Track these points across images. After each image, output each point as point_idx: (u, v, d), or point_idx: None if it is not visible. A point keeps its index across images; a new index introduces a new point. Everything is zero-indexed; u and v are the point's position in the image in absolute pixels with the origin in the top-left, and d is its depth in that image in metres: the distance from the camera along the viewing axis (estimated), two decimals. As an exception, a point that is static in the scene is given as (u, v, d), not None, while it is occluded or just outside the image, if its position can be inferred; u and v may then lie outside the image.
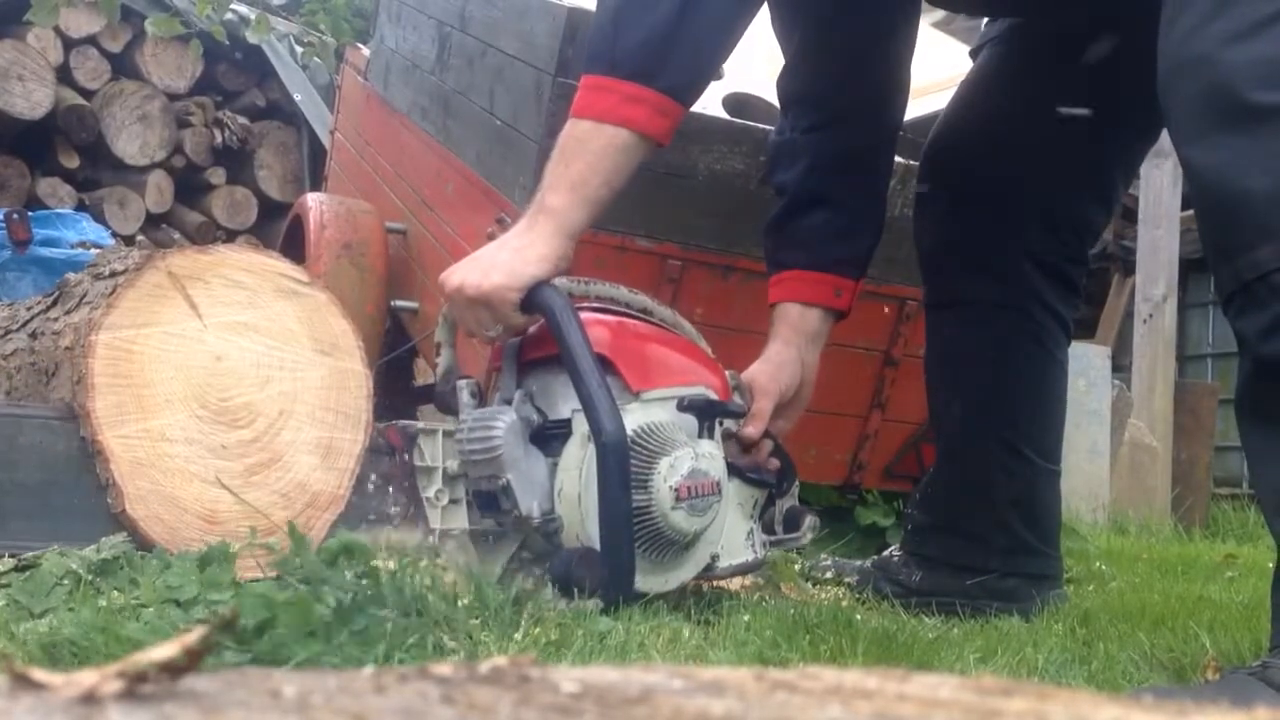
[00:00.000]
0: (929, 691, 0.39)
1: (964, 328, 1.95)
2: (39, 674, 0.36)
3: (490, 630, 1.32)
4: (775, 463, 1.79)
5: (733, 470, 1.68)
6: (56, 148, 4.25)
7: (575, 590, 1.48)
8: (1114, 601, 1.98)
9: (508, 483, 1.58)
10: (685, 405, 1.62)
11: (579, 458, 1.55)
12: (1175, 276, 4.68)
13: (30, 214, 3.15)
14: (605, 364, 1.57)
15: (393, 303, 2.68)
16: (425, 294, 2.58)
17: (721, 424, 1.69)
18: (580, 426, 1.55)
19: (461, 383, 1.68)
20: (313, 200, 2.86)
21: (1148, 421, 4.40)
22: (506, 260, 1.60)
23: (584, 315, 1.60)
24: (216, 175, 4.50)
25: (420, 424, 1.67)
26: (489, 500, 1.62)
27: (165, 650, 0.38)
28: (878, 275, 2.28)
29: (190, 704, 0.35)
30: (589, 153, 1.60)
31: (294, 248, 2.95)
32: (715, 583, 1.76)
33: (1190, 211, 5.15)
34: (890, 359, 2.39)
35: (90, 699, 0.35)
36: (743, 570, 1.73)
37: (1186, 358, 5.39)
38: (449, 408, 1.69)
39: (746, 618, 1.53)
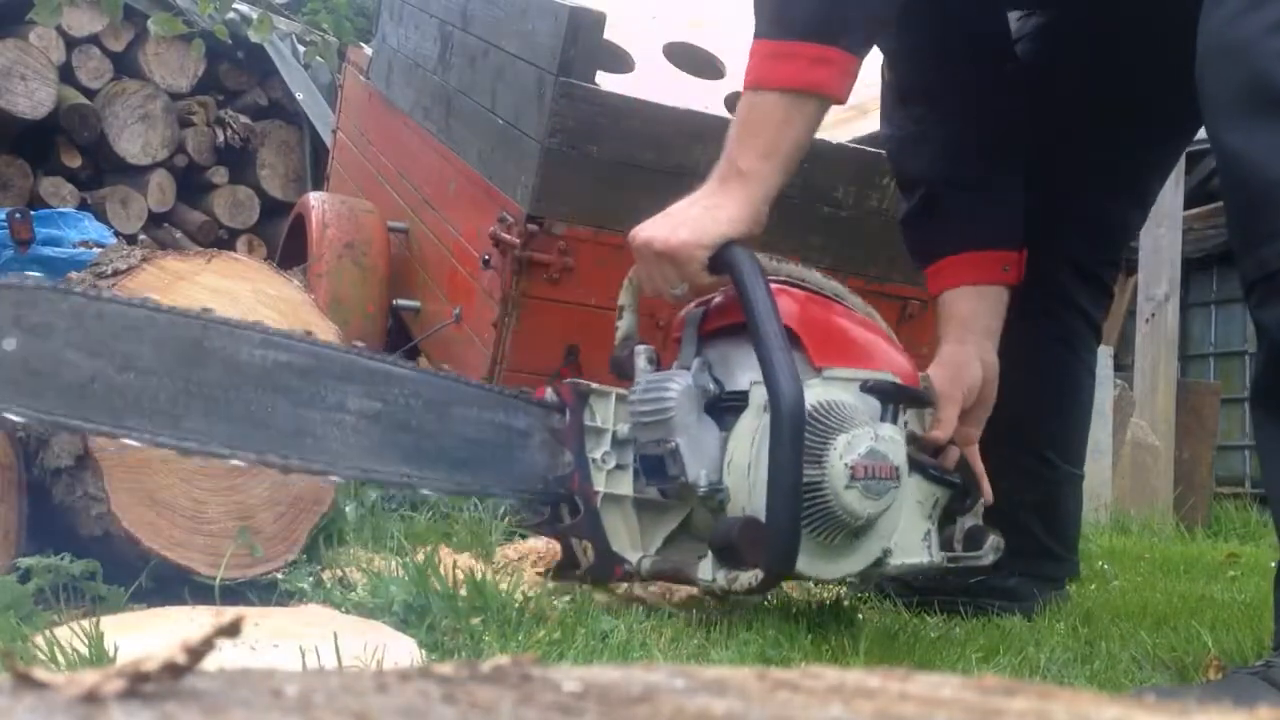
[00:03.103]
0: (931, 691, 0.39)
1: None
2: (41, 673, 0.36)
3: (492, 629, 1.32)
4: (954, 475, 1.71)
5: (914, 465, 1.61)
6: (59, 147, 4.25)
7: (735, 561, 1.43)
8: (1116, 601, 1.98)
9: (676, 446, 1.53)
10: (869, 387, 1.56)
11: (753, 427, 1.50)
12: (1178, 276, 4.67)
13: (33, 213, 3.14)
14: (790, 336, 1.52)
15: (394, 302, 2.68)
16: (427, 293, 2.59)
17: (905, 411, 1.62)
18: (757, 398, 1.50)
19: (640, 348, 1.64)
20: (315, 199, 2.86)
21: (1150, 421, 4.39)
22: (697, 216, 1.55)
23: (777, 287, 1.56)
24: (219, 174, 4.50)
25: (594, 384, 1.63)
26: (656, 466, 1.57)
27: (167, 649, 0.38)
28: (879, 275, 2.28)
29: (192, 703, 0.35)
30: (776, 121, 1.55)
31: (296, 247, 2.95)
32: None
33: (1193, 211, 5.15)
34: (892, 358, 2.39)
35: (92, 698, 0.35)
36: (916, 571, 1.65)
37: (1189, 357, 5.38)
38: (624, 373, 1.65)
39: (749, 616, 1.53)
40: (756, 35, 1.60)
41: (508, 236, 2.06)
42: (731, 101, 2.35)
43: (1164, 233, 4.58)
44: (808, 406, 1.47)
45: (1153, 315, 4.62)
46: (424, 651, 1.24)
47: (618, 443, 1.62)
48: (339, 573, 1.59)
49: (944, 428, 1.69)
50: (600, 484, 1.59)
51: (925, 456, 1.66)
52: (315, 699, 0.36)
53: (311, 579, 1.56)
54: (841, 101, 1.59)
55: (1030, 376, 1.88)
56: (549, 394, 1.62)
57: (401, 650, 1.19)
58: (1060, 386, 1.93)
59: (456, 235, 2.39)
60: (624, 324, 1.70)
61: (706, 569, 1.48)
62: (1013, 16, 1.99)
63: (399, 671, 0.40)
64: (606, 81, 2.17)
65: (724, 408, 1.55)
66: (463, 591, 1.40)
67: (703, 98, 2.36)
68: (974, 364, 1.75)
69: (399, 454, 1.47)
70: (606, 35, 2.06)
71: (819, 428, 1.48)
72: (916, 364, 1.68)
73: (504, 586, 1.44)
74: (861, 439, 1.49)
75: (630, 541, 1.60)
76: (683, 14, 2.69)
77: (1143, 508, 4.07)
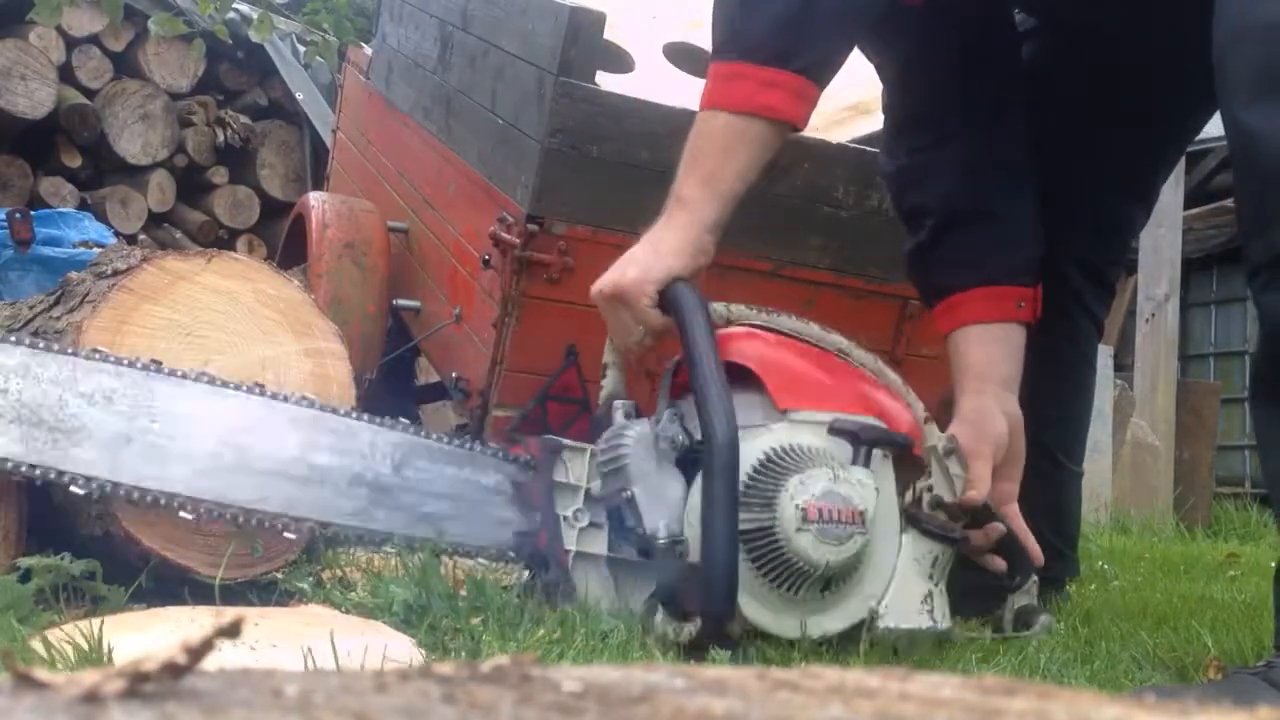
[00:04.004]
0: (931, 691, 0.39)
1: None
2: (41, 673, 0.36)
3: (492, 629, 1.32)
4: (1000, 562, 1.64)
5: (910, 520, 1.53)
6: (59, 147, 4.25)
7: (680, 611, 1.37)
8: (1116, 601, 1.98)
9: (632, 495, 1.47)
10: (837, 428, 1.49)
11: None
12: (1178, 276, 4.68)
13: (33, 213, 3.14)
14: (752, 379, 1.48)
15: (395, 302, 2.68)
16: (427, 293, 2.58)
17: (886, 454, 1.52)
18: None
19: (617, 403, 1.58)
20: (315, 199, 2.86)
21: (1150, 421, 4.39)
22: (641, 255, 1.55)
23: (744, 330, 1.53)
24: (219, 174, 4.50)
25: (567, 440, 1.59)
26: (618, 518, 1.53)
27: (167, 649, 0.38)
28: (879, 275, 2.28)
29: (192, 703, 0.35)
30: (721, 146, 1.53)
31: (296, 247, 2.95)
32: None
33: (1193, 211, 5.15)
34: (893, 358, 2.39)
35: (92, 698, 0.35)
36: (916, 638, 1.49)
37: (1188, 357, 5.38)
38: (602, 431, 1.58)
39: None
40: (712, 58, 1.58)
41: (508, 236, 2.06)
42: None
43: (1164, 233, 4.59)
44: (767, 449, 1.43)
45: (1153, 315, 4.62)
46: (424, 651, 1.24)
47: (591, 500, 1.56)
48: (339, 573, 1.59)
49: (979, 485, 1.59)
50: (571, 542, 1.54)
51: (924, 512, 1.55)
52: (315, 699, 0.36)
53: (311, 579, 1.56)
54: (798, 127, 1.56)
55: (1040, 376, 1.84)
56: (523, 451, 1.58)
57: (401, 650, 1.19)
58: (1069, 385, 1.93)
59: (456, 235, 2.39)
60: (608, 382, 1.64)
61: (660, 623, 1.41)
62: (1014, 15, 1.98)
63: (399, 671, 0.40)
64: (606, 81, 2.17)
65: (693, 459, 1.48)
66: (463, 591, 1.40)
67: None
68: (997, 416, 1.66)
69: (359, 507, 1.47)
70: (606, 35, 2.06)
71: (774, 470, 1.43)
72: (916, 422, 1.57)
73: (504, 586, 1.44)
74: (816, 479, 1.42)
75: (605, 603, 1.53)
76: (683, 14, 2.69)
77: (1143, 508, 4.07)
